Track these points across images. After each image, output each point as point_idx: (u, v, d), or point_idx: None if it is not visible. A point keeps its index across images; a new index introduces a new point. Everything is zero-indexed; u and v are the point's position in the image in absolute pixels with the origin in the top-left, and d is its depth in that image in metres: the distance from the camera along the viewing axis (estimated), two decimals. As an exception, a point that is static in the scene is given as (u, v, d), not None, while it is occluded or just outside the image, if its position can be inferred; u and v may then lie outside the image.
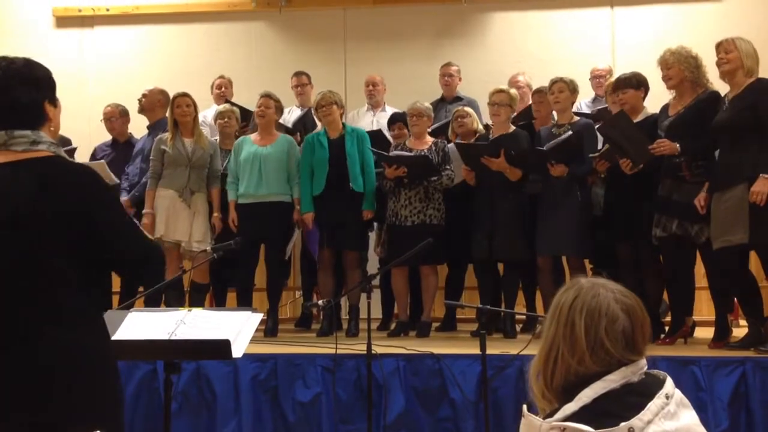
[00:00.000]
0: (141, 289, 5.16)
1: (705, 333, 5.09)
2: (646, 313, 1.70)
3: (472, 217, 5.69)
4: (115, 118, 6.62)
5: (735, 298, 5.01)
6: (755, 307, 4.64)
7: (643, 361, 1.67)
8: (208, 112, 6.83)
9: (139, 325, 3.06)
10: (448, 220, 5.76)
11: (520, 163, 5.47)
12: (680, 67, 4.84)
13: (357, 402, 4.46)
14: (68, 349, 2.06)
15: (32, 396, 2.02)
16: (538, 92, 5.86)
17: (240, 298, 5.91)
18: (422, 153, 5.76)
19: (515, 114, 6.08)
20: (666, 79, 4.93)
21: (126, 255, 2.19)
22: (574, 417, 1.58)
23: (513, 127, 5.73)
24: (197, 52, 8.18)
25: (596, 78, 6.75)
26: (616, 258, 5.23)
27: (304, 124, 6.57)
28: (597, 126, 5.37)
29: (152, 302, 5.15)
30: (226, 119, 6.22)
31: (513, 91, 5.87)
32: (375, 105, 7.09)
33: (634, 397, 1.60)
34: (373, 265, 6.39)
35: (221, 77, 7.12)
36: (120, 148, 6.58)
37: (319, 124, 6.16)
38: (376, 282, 5.54)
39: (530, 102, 6.13)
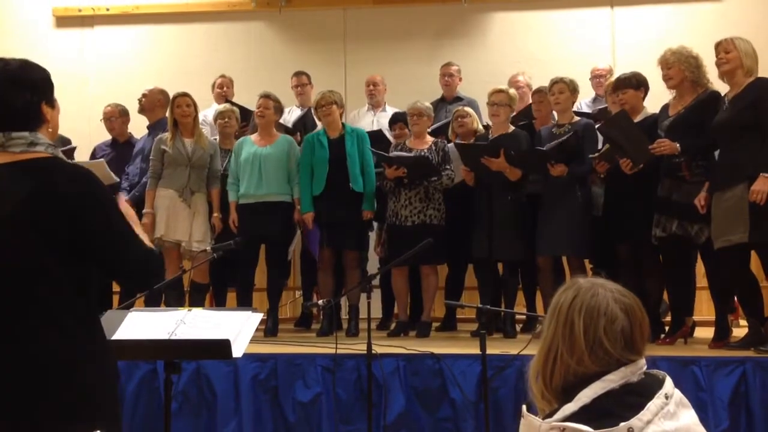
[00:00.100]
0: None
1: (705, 333, 5.09)
2: (645, 312, 1.70)
3: (471, 217, 5.69)
4: (115, 117, 6.62)
5: (736, 298, 5.01)
6: (755, 307, 4.64)
7: (643, 361, 1.67)
8: (208, 111, 6.83)
9: (139, 324, 3.05)
10: (448, 220, 5.76)
11: (519, 163, 5.47)
12: (681, 67, 4.84)
13: (357, 402, 4.46)
14: (65, 349, 2.06)
15: (29, 397, 2.02)
16: (538, 92, 5.86)
17: (240, 298, 5.91)
18: (422, 153, 5.76)
19: (515, 114, 6.08)
20: (666, 78, 4.93)
21: (120, 259, 2.17)
22: (573, 417, 1.58)
23: (512, 127, 5.73)
24: (197, 52, 8.18)
25: (596, 78, 6.75)
26: (616, 258, 5.23)
27: (304, 124, 6.58)
28: (597, 126, 5.37)
29: (152, 302, 5.17)
30: (226, 119, 6.22)
31: (512, 91, 5.87)
32: (375, 105, 7.09)
33: (634, 397, 1.59)
34: (373, 265, 6.40)
35: (222, 76, 7.12)
36: (120, 148, 6.58)
37: (319, 123, 6.16)
38: (376, 282, 5.54)
39: (530, 102, 6.13)
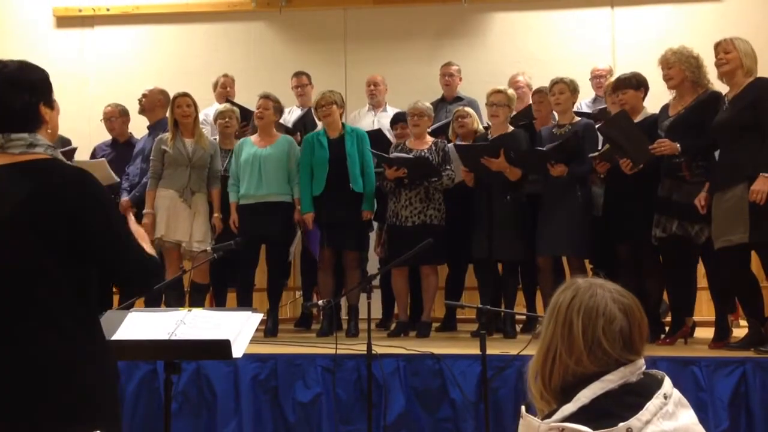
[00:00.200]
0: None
1: (705, 333, 5.09)
2: (644, 313, 1.70)
3: (471, 217, 5.69)
4: (115, 117, 6.62)
5: (736, 299, 5.01)
6: (756, 308, 4.64)
7: (641, 361, 1.67)
8: (209, 110, 6.82)
9: (139, 325, 3.05)
10: (449, 221, 5.76)
11: (520, 163, 5.47)
12: (681, 67, 4.84)
13: (357, 402, 4.46)
14: (64, 350, 2.05)
15: (28, 398, 2.02)
16: (538, 92, 5.86)
17: (240, 298, 5.91)
18: (422, 153, 5.76)
19: (515, 114, 6.08)
20: (667, 78, 4.93)
21: (120, 259, 2.17)
22: (572, 418, 1.58)
23: (511, 128, 5.74)
24: (197, 52, 8.18)
25: (596, 78, 6.75)
26: (615, 258, 5.23)
27: (304, 124, 6.57)
28: (597, 126, 5.37)
29: (152, 302, 5.16)
30: (226, 119, 6.22)
31: (511, 91, 5.88)
32: (376, 105, 7.09)
33: (633, 397, 1.59)
34: (373, 265, 6.40)
35: (225, 75, 7.11)
36: (120, 148, 6.58)
37: (319, 123, 6.16)
38: (376, 282, 5.54)
39: (530, 102, 6.13)
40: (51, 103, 2.22)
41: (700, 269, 5.17)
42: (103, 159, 6.29)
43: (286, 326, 6.32)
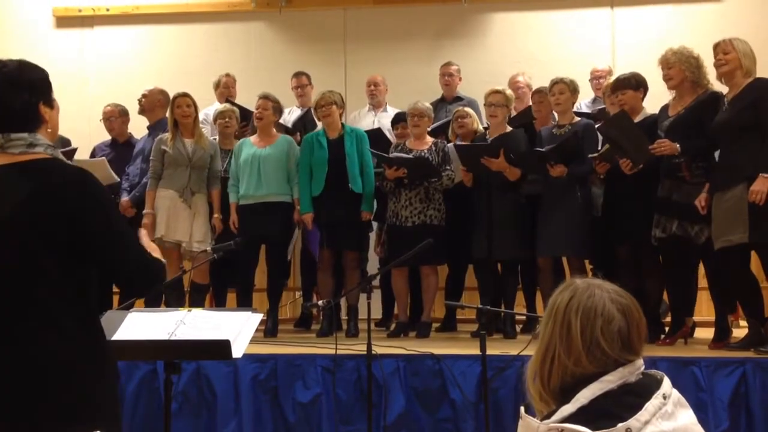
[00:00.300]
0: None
1: (705, 333, 5.09)
2: (642, 313, 1.70)
3: (471, 217, 5.69)
4: (115, 117, 6.62)
5: (736, 299, 5.01)
6: (756, 308, 4.64)
7: (640, 361, 1.67)
8: (210, 110, 6.82)
9: (139, 325, 3.05)
10: (448, 221, 5.76)
11: (519, 163, 5.47)
12: (681, 67, 4.84)
13: (357, 402, 4.46)
14: (64, 350, 2.05)
15: (28, 398, 2.02)
16: (538, 92, 5.86)
17: (240, 298, 5.91)
18: (422, 154, 5.76)
19: (515, 114, 6.08)
20: (667, 78, 4.93)
21: (120, 259, 2.17)
22: (571, 418, 1.58)
23: (509, 128, 5.74)
24: (197, 52, 8.18)
25: (596, 79, 6.74)
26: (615, 258, 5.23)
27: (304, 124, 6.57)
28: (597, 126, 5.37)
29: (152, 302, 5.17)
30: (226, 119, 6.22)
31: (509, 91, 5.89)
32: (377, 105, 7.09)
33: (632, 398, 1.59)
34: (373, 266, 6.40)
35: (227, 75, 7.10)
36: (119, 148, 6.58)
37: (319, 124, 6.16)
38: (376, 282, 5.54)
39: (530, 102, 6.13)
40: (51, 103, 2.22)
41: (700, 269, 5.17)
42: (103, 158, 6.28)
43: (286, 326, 6.32)
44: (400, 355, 4.55)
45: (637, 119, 5.07)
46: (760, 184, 4.34)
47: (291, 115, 6.90)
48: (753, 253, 4.71)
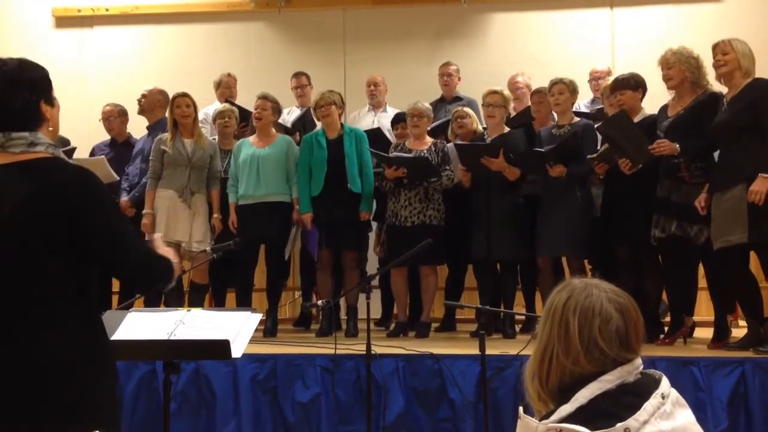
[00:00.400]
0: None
1: (704, 333, 5.09)
2: (640, 312, 1.70)
3: (470, 217, 5.70)
4: (114, 117, 6.62)
5: (735, 299, 5.01)
6: (755, 308, 4.64)
7: (639, 361, 1.67)
8: (210, 109, 6.81)
9: (139, 325, 3.05)
10: (448, 221, 5.76)
11: (519, 163, 5.48)
12: (681, 67, 4.84)
13: (356, 402, 4.46)
14: (64, 350, 2.05)
15: (28, 398, 2.02)
16: (537, 92, 5.86)
17: (239, 298, 5.91)
18: (422, 154, 5.76)
19: (515, 115, 6.08)
20: (666, 79, 4.93)
21: (122, 258, 2.17)
22: (570, 418, 1.58)
23: (507, 128, 5.75)
24: (197, 52, 8.18)
25: (595, 79, 6.74)
26: (614, 259, 5.23)
27: (303, 124, 6.58)
28: (597, 125, 5.37)
29: (152, 302, 5.17)
30: (225, 119, 6.21)
31: (506, 92, 5.90)
32: (376, 105, 7.09)
33: (630, 397, 1.60)
34: (372, 266, 6.39)
35: (228, 75, 7.10)
36: (118, 148, 6.57)
37: (318, 124, 6.16)
38: (375, 282, 5.54)
39: (529, 103, 6.13)
40: (51, 101, 2.22)
41: (700, 269, 5.17)
42: (102, 157, 6.28)
43: (286, 326, 6.32)
44: (400, 355, 4.55)
45: (635, 119, 5.07)
46: (759, 185, 4.34)
47: (291, 115, 6.90)
48: (752, 253, 4.72)
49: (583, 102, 6.63)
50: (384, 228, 6.10)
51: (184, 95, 5.89)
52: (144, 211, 5.83)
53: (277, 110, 6.03)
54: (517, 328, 5.70)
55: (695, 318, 5.23)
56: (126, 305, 3.68)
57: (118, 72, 8.15)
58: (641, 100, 5.19)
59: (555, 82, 5.51)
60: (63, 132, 4.89)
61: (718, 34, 4.88)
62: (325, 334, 5.59)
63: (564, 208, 5.32)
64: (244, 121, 6.41)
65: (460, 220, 5.78)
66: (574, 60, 7.35)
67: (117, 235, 2.15)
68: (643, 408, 1.57)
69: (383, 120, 6.82)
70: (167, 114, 6.03)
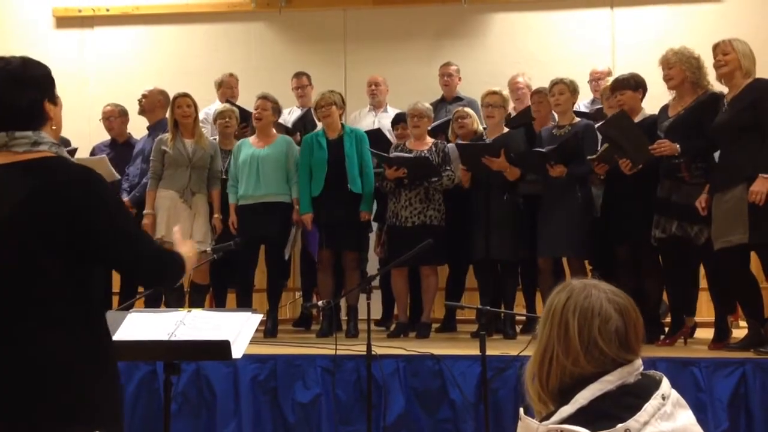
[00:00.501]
0: (141, 289, 5.17)
1: (705, 334, 5.09)
2: (639, 313, 1.70)
3: (469, 217, 5.70)
4: (114, 117, 6.62)
5: (736, 299, 5.01)
6: (755, 308, 4.64)
7: (639, 362, 1.67)
8: (211, 108, 6.81)
9: (139, 325, 3.06)
10: (449, 221, 5.76)
11: (519, 163, 5.48)
12: (682, 67, 4.84)
13: (357, 403, 4.46)
14: (63, 350, 2.05)
15: (27, 398, 2.01)
16: (537, 93, 5.86)
17: (240, 298, 5.91)
18: (422, 154, 5.76)
19: (515, 115, 6.08)
20: (667, 79, 4.93)
21: (127, 258, 2.17)
22: (570, 419, 1.58)
23: (506, 129, 5.75)
24: (197, 52, 8.18)
25: (595, 80, 6.74)
26: (615, 259, 5.23)
27: (304, 125, 6.57)
28: (597, 125, 5.37)
29: (152, 303, 5.17)
30: (226, 119, 6.21)
31: (505, 92, 5.91)
32: (377, 105, 7.08)
33: (631, 398, 1.60)
34: (373, 266, 6.39)
35: (231, 75, 7.09)
36: (118, 148, 6.58)
37: (319, 124, 6.16)
38: (376, 283, 5.54)
39: (530, 103, 6.13)
40: (55, 99, 2.21)
41: (700, 270, 5.17)
42: (103, 156, 6.28)
43: (286, 327, 6.32)
44: (400, 356, 4.54)
45: (636, 120, 5.07)
46: (759, 185, 4.34)
47: (291, 115, 6.90)
48: (753, 254, 4.71)
49: (583, 102, 6.62)
50: (384, 228, 6.10)
51: (185, 95, 5.89)
52: (144, 212, 5.83)
53: (277, 110, 6.03)
54: (518, 328, 5.70)
55: (696, 318, 5.23)
56: (126, 306, 3.68)
57: (119, 72, 8.16)
58: (641, 100, 5.19)
59: (555, 83, 5.51)
60: (63, 132, 4.88)
61: (718, 34, 4.88)
62: (325, 334, 5.59)
63: (564, 209, 5.32)
64: (244, 122, 6.41)
65: (460, 221, 5.78)
66: (574, 60, 7.35)
67: (122, 232, 2.14)
68: (643, 409, 1.57)
69: (384, 120, 6.82)
70: (168, 114, 6.03)
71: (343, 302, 5.95)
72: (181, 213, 5.78)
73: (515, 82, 6.65)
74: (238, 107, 6.45)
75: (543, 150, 5.33)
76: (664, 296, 5.25)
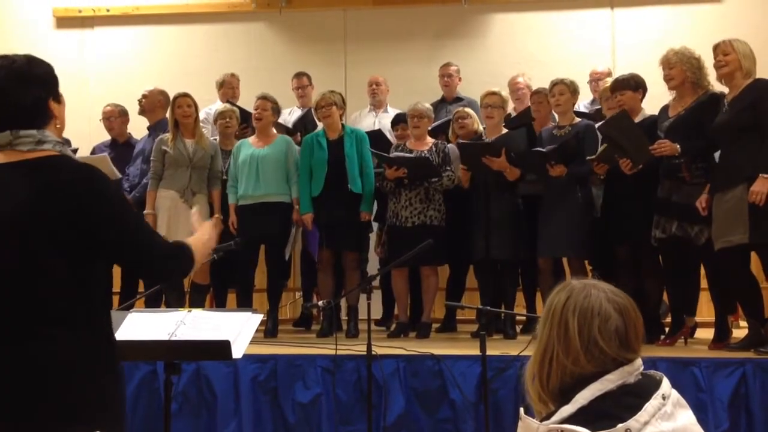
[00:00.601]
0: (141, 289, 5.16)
1: (705, 334, 5.09)
2: (639, 312, 1.70)
3: (469, 217, 5.70)
4: (114, 117, 6.62)
5: (736, 299, 5.01)
6: (756, 308, 4.64)
7: (639, 362, 1.67)
8: (211, 108, 6.80)
9: (140, 325, 3.06)
10: (449, 221, 5.77)
11: (520, 163, 5.48)
12: (682, 68, 4.84)
13: (357, 403, 4.46)
14: (65, 350, 2.05)
15: (28, 398, 2.01)
16: (537, 93, 5.87)
17: (240, 298, 5.91)
18: (422, 154, 5.76)
19: (515, 115, 6.08)
20: (668, 79, 4.93)
21: (130, 257, 2.17)
22: (570, 419, 1.58)
23: (505, 129, 5.75)
24: (197, 52, 8.19)
25: (595, 80, 6.74)
26: (615, 259, 5.23)
27: (304, 125, 6.57)
28: (597, 125, 5.37)
29: (152, 303, 5.17)
30: (227, 119, 6.22)
31: (504, 92, 5.91)
32: (377, 105, 7.08)
33: (631, 398, 1.60)
34: (373, 266, 6.40)
35: (232, 75, 7.08)
36: (119, 149, 6.57)
37: (319, 124, 6.16)
38: (376, 283, 5.54)
39: (530, 103, 6.13)
40: (58, 98, 2.21)
41: (701, 270, 5.17)
42: (105, 155, 6.27)
43: (286, 327, 6.32)
44: (400, 356, 4.55)
45: (636, 120, 5.07)
46: (759, 185, 4.34)
47: (292, 115, 6.90)
48: (753, 254, 4.71)
49: (583, 102, 6.62)
50: (385, 228, 6.10)
51: (185, 95, 5.89)
52: (145, 212, 5.82)
53: (277, 110, 6.03)
54: (518, 328, 5.70)
55: (696, 318, 5.23)
56: (127, 305, 3.68)
57: (119, 72, 8.16)
58: (641, 100, 5.19)
59: (556, 83, 5.52)
60: (63, 132, 4.89)
61: (718, 35, 4.88)
62: (325, 334, 5.59)
63: (564, 209, 5.32)
64: (244, 122, 6.41)
65: (460, 221, 5.78)
66: (574, 60, 7.36)
67: (128, 229, 2.14)
68: (643, 409, 1.57)
69: (384, 120, 6.81)
70: (168, 114, 6.03)
71: (343, 302, 5.95)
72: (181, 213, 5.77)
73: (515, 83, 6.65)
74: (239, 107, 6.46)
75: (543, 150, 5.33)
76: (665, 296, 5.25)
